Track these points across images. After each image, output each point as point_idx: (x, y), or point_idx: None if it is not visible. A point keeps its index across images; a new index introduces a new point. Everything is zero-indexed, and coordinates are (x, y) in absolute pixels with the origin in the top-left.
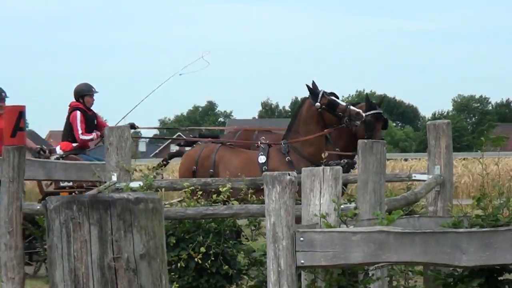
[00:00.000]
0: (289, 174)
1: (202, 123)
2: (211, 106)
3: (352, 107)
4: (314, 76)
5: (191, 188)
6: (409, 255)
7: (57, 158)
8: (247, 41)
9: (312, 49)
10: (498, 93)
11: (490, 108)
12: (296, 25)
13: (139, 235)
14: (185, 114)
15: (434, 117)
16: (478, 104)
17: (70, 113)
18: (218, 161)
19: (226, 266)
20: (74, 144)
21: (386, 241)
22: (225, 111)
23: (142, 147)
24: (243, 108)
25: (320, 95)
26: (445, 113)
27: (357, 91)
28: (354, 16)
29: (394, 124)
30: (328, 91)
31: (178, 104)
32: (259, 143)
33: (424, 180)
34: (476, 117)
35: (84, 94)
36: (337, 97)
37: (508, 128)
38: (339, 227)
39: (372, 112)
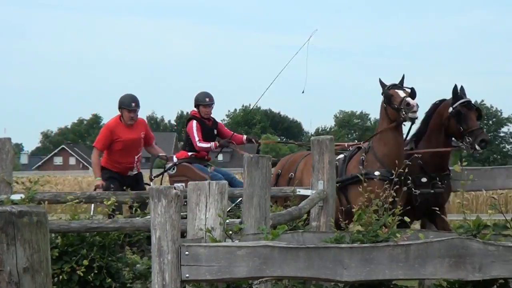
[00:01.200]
0: (175, 188)
1: (87, 136)
2: (96, 119)
3: (408, 98)
4: (199, 89)
5: (75, 201)
6: (293, 269)
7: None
8: (132, 54)
9: (198, 64)
10: (377, 109)
11: (369, 124)
12: (181, 39)
13: (22, 248)
14: (69, 126)
15: (318, 132)
16: (359, 120)
17: (186, 122)
18: (301, 165)
19: (110, 280)
20: (190, 153)
21: (271, 256)
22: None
23: (23, 159)
24: None
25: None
26: (328, 129)
27: (243, 105)
28: (241, 31)
29: (279, 138)
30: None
31: (61, 117)
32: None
33: (308, 195)
34: (357, 133)
35: (198, 103)
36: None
37: None
38: (225, 241)
39: (460, 101)
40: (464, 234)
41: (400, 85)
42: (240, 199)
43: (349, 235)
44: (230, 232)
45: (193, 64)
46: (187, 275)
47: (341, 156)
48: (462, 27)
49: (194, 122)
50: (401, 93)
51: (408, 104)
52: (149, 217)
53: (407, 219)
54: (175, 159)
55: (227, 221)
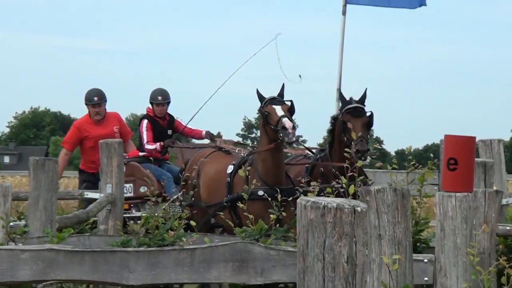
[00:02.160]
0: None
1: None
2: None
3: (284, 119)
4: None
5: None
6: (78, 273)
7: None
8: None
9: None
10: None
11: None
12: None
13: None
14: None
15: None
16: None
17: (140, 121)
18: (200, 167)
19: None
20: (141, 153)
21: (56, 259)
22: None
23: None
24: None
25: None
26: None
27: (31, 107)
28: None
29: None
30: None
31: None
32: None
33: (96, 199)
34: None
35: (152, 101)
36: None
37: None
38: (7, 244)
39: (346, 108)
40: (247, 239)
41: (279, 99)
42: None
43: (135, 239)
44: (14, 235)
45: None
46: None
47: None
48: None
49: (145, 121)
50: (279, 111)
51: (284, 127)
52: None
53: (193, 223)
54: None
55: (11, 223)
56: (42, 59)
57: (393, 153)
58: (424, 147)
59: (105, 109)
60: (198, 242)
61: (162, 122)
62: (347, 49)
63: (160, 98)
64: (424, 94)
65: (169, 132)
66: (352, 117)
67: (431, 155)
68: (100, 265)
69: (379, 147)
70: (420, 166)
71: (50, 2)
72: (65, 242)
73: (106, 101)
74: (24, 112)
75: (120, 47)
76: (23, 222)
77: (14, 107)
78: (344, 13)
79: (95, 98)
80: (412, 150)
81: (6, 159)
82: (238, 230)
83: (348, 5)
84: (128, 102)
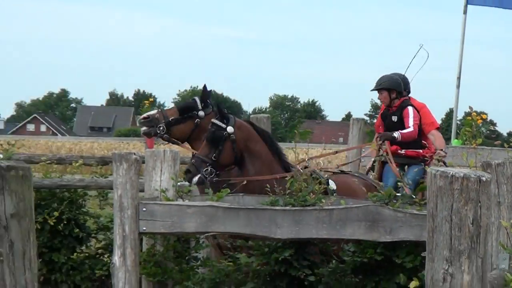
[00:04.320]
0: (134, 154)
1: (56, 108)
2: (64, 93)
3: None
4: (157, 71)
5: (47, 162)
6: (234, 227)
7: None
8: (100, 38)
9: (154, 49)
10: (306, 94)
11: (299, 106)
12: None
13: (10, 197)
14: (40, 99)
15: (255, 111)
16: (290, 103)
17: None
18: None
19: (77, 230)
20: None
21: (216, 214)
22: (76, 98)
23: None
24: (93, 96)
25: None
26: (264, 109)
27: (191, 86)
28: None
29: None
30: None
31: (32, 89)
32: None
33: None
34: (288, 114)
35: None
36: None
37: (312, 124)
38: (176, 200)
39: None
40: (378, 202)
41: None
42: None
43: (282, 199)
44: (181, 193)
45: (147, 49)
46: (144, 228)
47: None
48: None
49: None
50: None
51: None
52: (111, 178)
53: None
54: None
55: (179, 183)
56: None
57: (505, 134)
58: None
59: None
60: (335, 204)
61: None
62: (466, 43)
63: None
64: None
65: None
66: None
67: None
68: (252, 220)
69: (492, 128)
70: None
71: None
72: (223, 200)
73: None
74: (186, 90)
75: None
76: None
77: (177, 86)
78: (465, 12)
79: None
80: None
81: None
82: (370, 195)
83: (468, 5)
84: None
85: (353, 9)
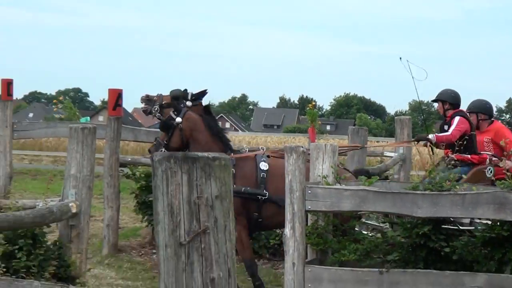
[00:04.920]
0: (302, 147)
1: (237, 109)
2: (244, 97)
3: None
4: (317, 80)
5: None
6: (383, 207)
7: None
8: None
9: (314, 62)
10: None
11: (433, 109)
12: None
13: (215, 182)
14: (226, 101)
15: (396, 114)
16: (425, 107)
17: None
18: None
19: None
20: None
21: (367, 197)
22: (253, 101)
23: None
24: (266, 99)
25: None
26: (404, 112)
27: (344, 92)
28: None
29: (369, 117)
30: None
31: (220, 94)
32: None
33: (391, 157)
34: (424, 116)
35: None
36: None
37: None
38: (335, 185)
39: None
40: (505, 188)
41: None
42: None
43: (422, 185)
44: (339, 179)
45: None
46: (309, 207)
47: None
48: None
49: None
50: None
51: None
52: None
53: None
54: None
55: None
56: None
57: None
58: None
59: None
60: (468, 190)
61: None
62: None
63: None
64: None
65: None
66: None
67: None
68: (397, 202)
69: None
70: None
71: None
72: (373, 185)
73: None
74: (340, 95)
75: None
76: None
77: (333, 92)
78: None
79: None
80: None
81: (328, 127)
82: (498, 183)
83: None
84: None
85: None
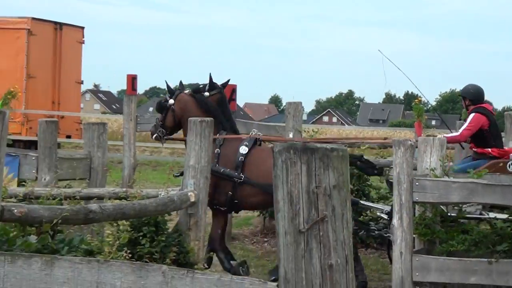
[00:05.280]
0: (409, 140)
1: (344, 104)
2: (350, 93)
3: None
4: (423, 77)
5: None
6: (492, 199)
7: None
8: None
9: (418, 60)
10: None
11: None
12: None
13: (333, 172)
14: (333, 97)
15: (504, 109)
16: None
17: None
18: None
19: (364, 198)
20: None
21: (476, 189)
22: (359, 97)
23: (304, 117)
24: (372, 95)
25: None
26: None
27: (450, 89)
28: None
29: None
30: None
31: (328, 90)
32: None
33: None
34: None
35: None
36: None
37: None
38: (443, 177)
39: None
40: None
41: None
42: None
43: None
44: (447, 171)
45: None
46: (416, 198)
47: None
48: None
49: None
50: None
51: None
52: (390, 158)
53: None
54: None
55: (445, 164)
56: None
57: None
58: None
59: None
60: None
61: None
62: None
63: None
64: None
65: None
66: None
67: None
68: (507, 194)
69: None
70: None
71: None
72: (482, 178)
73: None
74: (446, 91)
75: None
76: (451, 163)
77: (439, 88)
78: None
79: None
80: None
81: (433, 122)
82: None
83: None
84: None
85: None
